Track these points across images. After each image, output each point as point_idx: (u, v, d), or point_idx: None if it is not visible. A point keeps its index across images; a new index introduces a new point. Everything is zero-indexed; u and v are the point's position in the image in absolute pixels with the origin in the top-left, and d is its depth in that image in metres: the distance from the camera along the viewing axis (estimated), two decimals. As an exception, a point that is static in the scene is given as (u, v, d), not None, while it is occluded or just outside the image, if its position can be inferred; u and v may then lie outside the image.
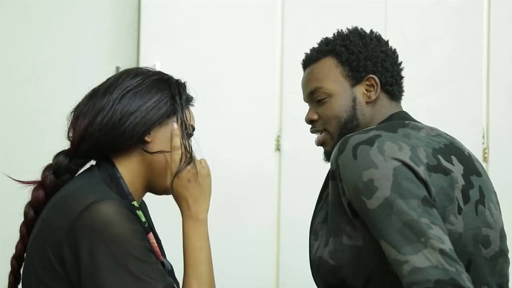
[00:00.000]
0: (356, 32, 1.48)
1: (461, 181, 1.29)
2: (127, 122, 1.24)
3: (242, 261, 2.69)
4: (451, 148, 1.34)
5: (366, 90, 1.44)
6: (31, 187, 1.26)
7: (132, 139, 1.25)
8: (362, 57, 1.43)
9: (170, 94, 1.29)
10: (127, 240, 1.13)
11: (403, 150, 1.25)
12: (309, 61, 1.49)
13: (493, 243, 1.32)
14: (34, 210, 1.24)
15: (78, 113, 1.27)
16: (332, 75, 1.44)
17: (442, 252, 1.15)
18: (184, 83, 1.34)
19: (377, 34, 1.49)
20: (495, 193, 1.40)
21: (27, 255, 1.22)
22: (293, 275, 2.69)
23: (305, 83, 1.50)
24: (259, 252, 2.70)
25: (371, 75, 1.43)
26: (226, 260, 2.67)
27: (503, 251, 1.35)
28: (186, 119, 1.31)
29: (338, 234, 1.30)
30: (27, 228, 1.25)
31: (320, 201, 1.41)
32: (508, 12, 2.84)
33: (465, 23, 2.83)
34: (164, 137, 1.27)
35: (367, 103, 1.43)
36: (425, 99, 2.75)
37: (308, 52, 1.51)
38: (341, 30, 1.49)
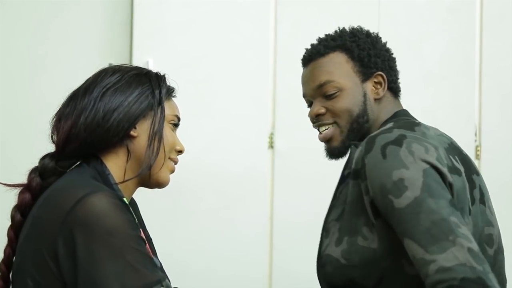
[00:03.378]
0: (361, 31, 1.49)
1: (466, 182, 1.31)
2: (111, 119, 1.24)
3: (235, 260, 2.69)
4: (453, 148, 1.36)
5: (374, 87, 1.45)
6: (17, 190, 1.25)
7: (118, 135, 1.25)
8: (372, 54, 1.45)
9: (151, 87, 1.29)
10: (123, 231, 1.13)
11: (430, 152, 1.26)
12: (315, 55, 1.47)
13: (495, 241, 1.34)
14: (21, 213, 1.24)
15: (60, 115, 1.27)
16: (343, 69, 1.44)
17: (470, 250, 1.15)
18: (163, 75, 1.34)
19: (378, 34, 1.51)
20: (488, 192, 1.42)
21: (18, 256, 1.21)
22: (286, 274, 2.69)
23: (312, 76, 1.47)
24: (252, 250, 2.70)
25: (380, 72, 1.45)
26: (219, 259, 2.67)
27: (501, 249, 1.38)
28: (170, 111, 1.32)
29: (353, 234, 1.30)
30: (14, 231, 1.24)
31: (335, 198, 1.41)
32: (501, 11, 2.84)
33: (458, 22, 2.83)
34: (149, 130, 1.27)
35: (375, 99, 1.45)
36: (418, 97, 2.75)
37: (312, 47, 1.49)
38: (343, 27, 1.50)
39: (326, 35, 1.50)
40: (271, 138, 2.75)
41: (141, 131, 1.27)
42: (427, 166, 1.23)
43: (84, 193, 1.14)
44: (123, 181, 1.26)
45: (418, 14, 2.83)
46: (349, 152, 1.46)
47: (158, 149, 1.28)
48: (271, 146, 2.75)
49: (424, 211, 1.18)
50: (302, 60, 1.51)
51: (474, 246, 1.16)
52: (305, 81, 1.49)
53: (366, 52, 1.45)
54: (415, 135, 1.29)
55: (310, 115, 1.48)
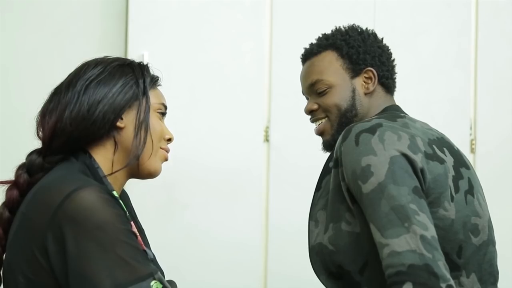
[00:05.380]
0: (354, 28, 1.56)
1: (452, 172, 1.34)
2: (96, 111, 1.23)
3: (230, 252, 2.69)
4: (443, 141, 1.40)
5: (364, 82, 1.52)
6: (5, 187, 1.24)
7: (105, 127, 1.24)
8: (361, 51, 1.51)
9: (135, 77, 1.28)
10: (112, 225, 1.12)
11: (402, 140, 1.30)
12: (310, 54, 1.55)
13: (482, 231, 1.36)
14: (9, 210, 1.23)
15: (44, 111, 1.26)
16: (333, 67, 1.52)
17: (422, 238, 1.20)
18: (146, 64, 1.33)
19: (373, 31, 1.57)
20: (481, 187, 1.45)
21: (8, 253, 1.20)
22: (282, 265, 2.69)
23: (306, 75, 1.55)
24: (247, 243, 2.70)
25: (370, 68, 1.51)
26: (214, 252, 2.68)
27: (492, 241, 1.41)
28: (156, 99, 1.31)
29: (338, 220, 1.34)
30: (3, 228, 1.23)
31: (320, 188, 1.45)
32: (496, 4, 2.84)
33: (453, 15, 2.83)
34: (135, 120, 1.27)
35: (365, 94, 1.52)
36: (413, 91, 2.76)
37: (308, 47, 1.57)
38: (339, 26, 1.56)
39: (321, 34, 1.57)
40: (266, 131, 2.75)
41: (128, 122, 1.27)
42: (396, 153, 1.28)
43: (73, 188, 1.13)
44: (112, 173, 1.26)
45: (414, 8, 2.83)
46: None
47: (145, 138, 1.27)
48: (267, 139, 2.75)
49: (385, 196, 1.24)
50: (300, 58, 1.59)
51: (429, 234, 1.20)
52: (302, 79, 1.58)
53: (355, 49, 1.51)
54: (393, 125, 1.34)
55: (305, 111, 1.56)
